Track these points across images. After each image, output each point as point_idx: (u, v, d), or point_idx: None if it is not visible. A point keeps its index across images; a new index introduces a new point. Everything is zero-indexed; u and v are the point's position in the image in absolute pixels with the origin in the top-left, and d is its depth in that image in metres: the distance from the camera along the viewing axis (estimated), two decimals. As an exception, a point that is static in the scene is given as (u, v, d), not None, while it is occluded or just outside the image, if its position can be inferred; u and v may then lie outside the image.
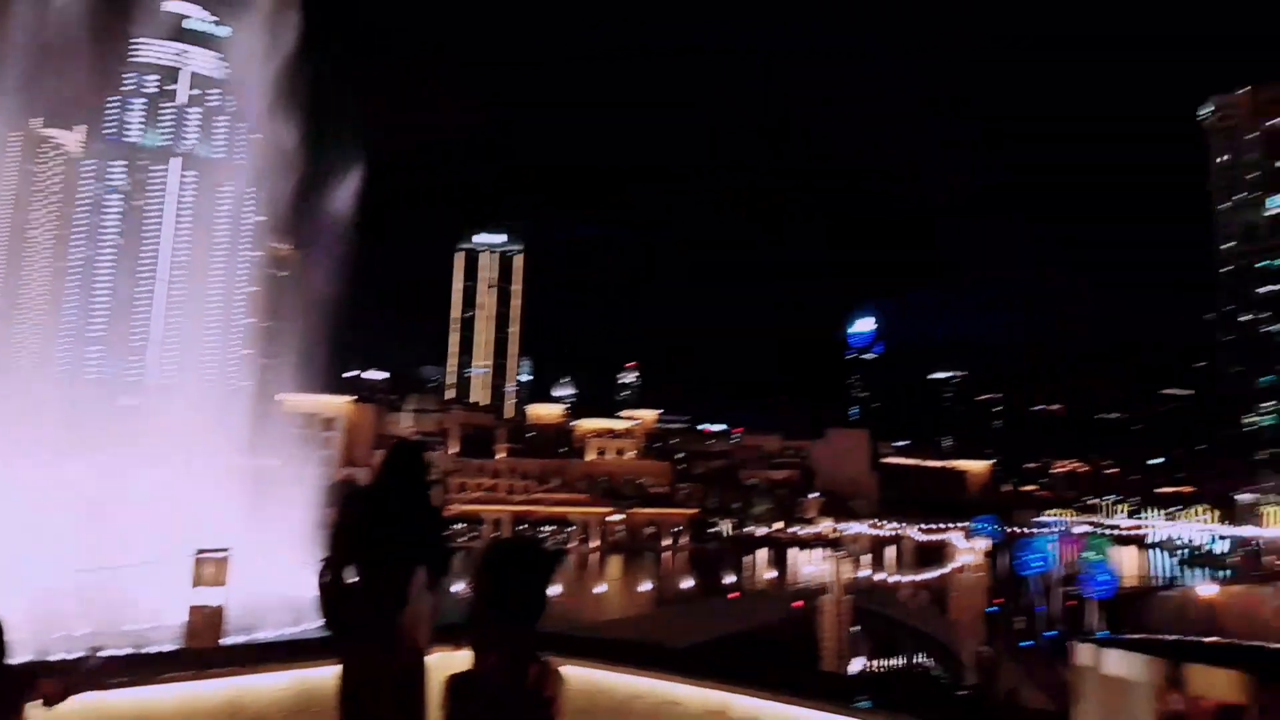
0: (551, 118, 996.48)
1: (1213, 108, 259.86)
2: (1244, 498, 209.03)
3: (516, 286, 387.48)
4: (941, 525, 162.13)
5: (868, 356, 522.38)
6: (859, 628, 52.45)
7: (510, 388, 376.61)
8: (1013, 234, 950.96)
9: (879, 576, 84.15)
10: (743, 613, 64.56)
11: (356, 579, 5.44)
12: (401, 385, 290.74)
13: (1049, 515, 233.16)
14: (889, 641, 59.01)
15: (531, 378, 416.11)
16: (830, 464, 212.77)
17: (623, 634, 40.71)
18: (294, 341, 64.48)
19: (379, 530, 5.47)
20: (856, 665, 48.14)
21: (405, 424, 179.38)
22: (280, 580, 24.58)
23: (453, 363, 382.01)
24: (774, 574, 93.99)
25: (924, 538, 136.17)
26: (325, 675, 5.51)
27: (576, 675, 6.03)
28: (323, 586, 5.47)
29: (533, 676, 3.14)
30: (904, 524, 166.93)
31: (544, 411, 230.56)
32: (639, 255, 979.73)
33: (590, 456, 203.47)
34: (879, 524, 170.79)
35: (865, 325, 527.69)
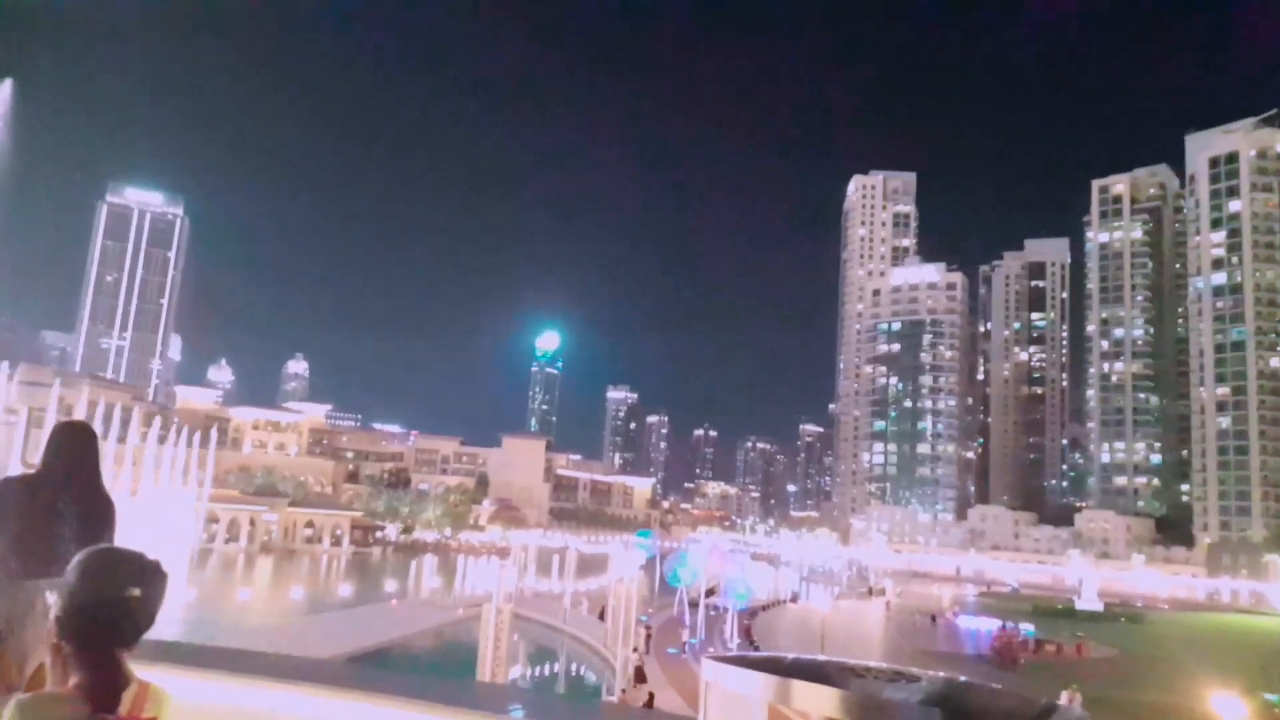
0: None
1: (854, 187, 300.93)
2: (857, 524, 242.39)
3: (173, 254, 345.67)
4: (605, 538, 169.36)
5: (550, 371, 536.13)
6: (518, 636, 52.46)
7: (156, 365, 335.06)
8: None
9: (544, 585, 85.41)
10: (402, 621, 62.17)
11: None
12: (12, 351, 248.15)
13: (700, 532, 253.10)
14: (548, 649, 59.75)
15: (181, 359, 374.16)
16: (505, 472, 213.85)
17: (264, 644, 37.01)
18: None
19: (43, 525, 4.63)
20: (514, 673, 47.98)
21: (9, 398, 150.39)
22: None
23: (86, 330, 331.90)
24: (440, 582, 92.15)
25: (589, 549, 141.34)
26: None
27: (195, 691, 4.80)
28: None
29: (127, 699, 2.68)
30: (571, 535, 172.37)
31: (195, 395, 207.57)
32: (316, 238, 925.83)
33: (247, 450, 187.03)
34: (548, 534, 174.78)
35: (550, 341, 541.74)
